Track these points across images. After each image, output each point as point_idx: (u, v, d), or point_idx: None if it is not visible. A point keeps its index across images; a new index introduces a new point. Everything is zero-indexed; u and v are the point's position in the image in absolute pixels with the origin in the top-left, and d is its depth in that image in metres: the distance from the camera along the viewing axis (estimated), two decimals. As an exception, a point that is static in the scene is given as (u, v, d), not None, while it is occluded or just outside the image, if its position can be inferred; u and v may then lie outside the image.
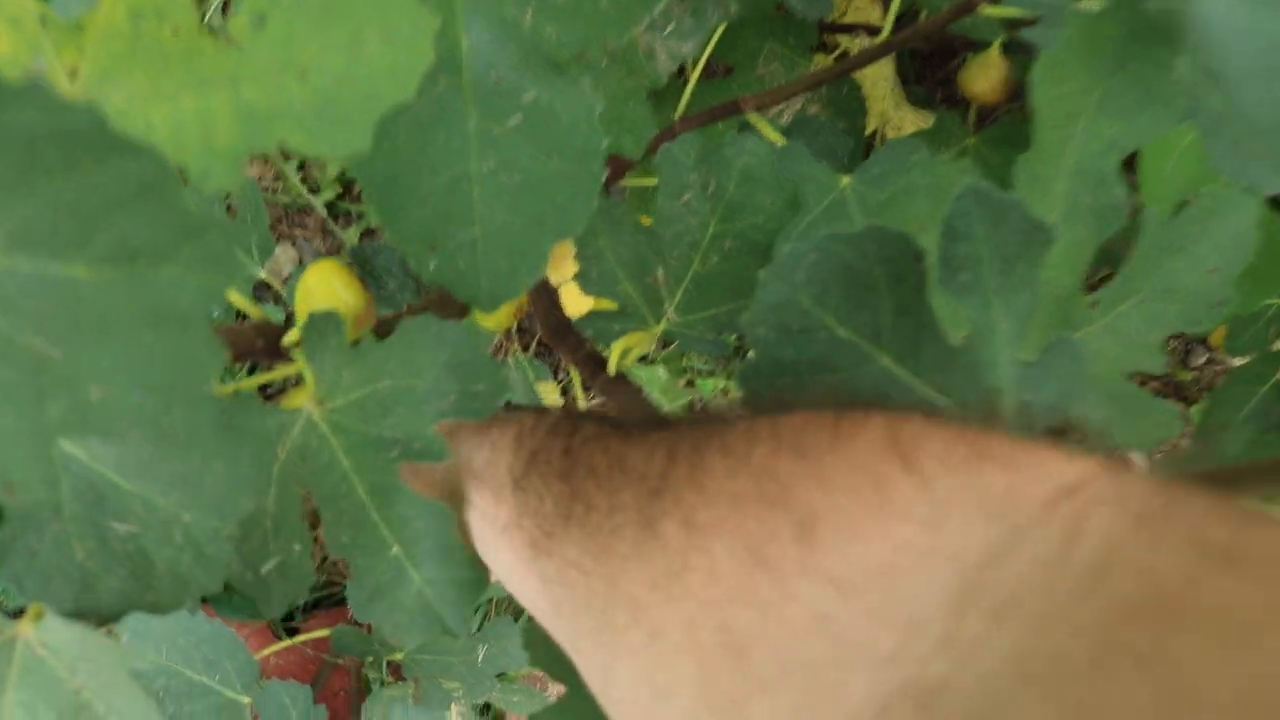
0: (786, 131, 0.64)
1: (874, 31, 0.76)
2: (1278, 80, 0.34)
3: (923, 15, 0.67)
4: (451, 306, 0.53)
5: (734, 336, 0.49)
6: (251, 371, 1.12)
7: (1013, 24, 0.67)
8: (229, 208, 0.83)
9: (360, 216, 1.24)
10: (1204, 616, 0.14)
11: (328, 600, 1.23)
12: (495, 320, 0.54)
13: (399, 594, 0.37)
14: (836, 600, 0.18)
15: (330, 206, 1.24)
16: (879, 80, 0.81)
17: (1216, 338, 0.82)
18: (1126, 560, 0.15)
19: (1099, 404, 0.47)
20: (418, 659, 0.82)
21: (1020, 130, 0.70)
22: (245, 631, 1.08)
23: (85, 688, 0.32)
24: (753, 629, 0.20)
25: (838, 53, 0.83)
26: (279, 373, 0.38)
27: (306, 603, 1.21)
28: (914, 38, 0.59)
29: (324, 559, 1.18)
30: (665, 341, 0.51)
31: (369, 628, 0.82)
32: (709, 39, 0.54)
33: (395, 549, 0.37)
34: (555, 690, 1.03)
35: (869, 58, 0.59)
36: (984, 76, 0.70)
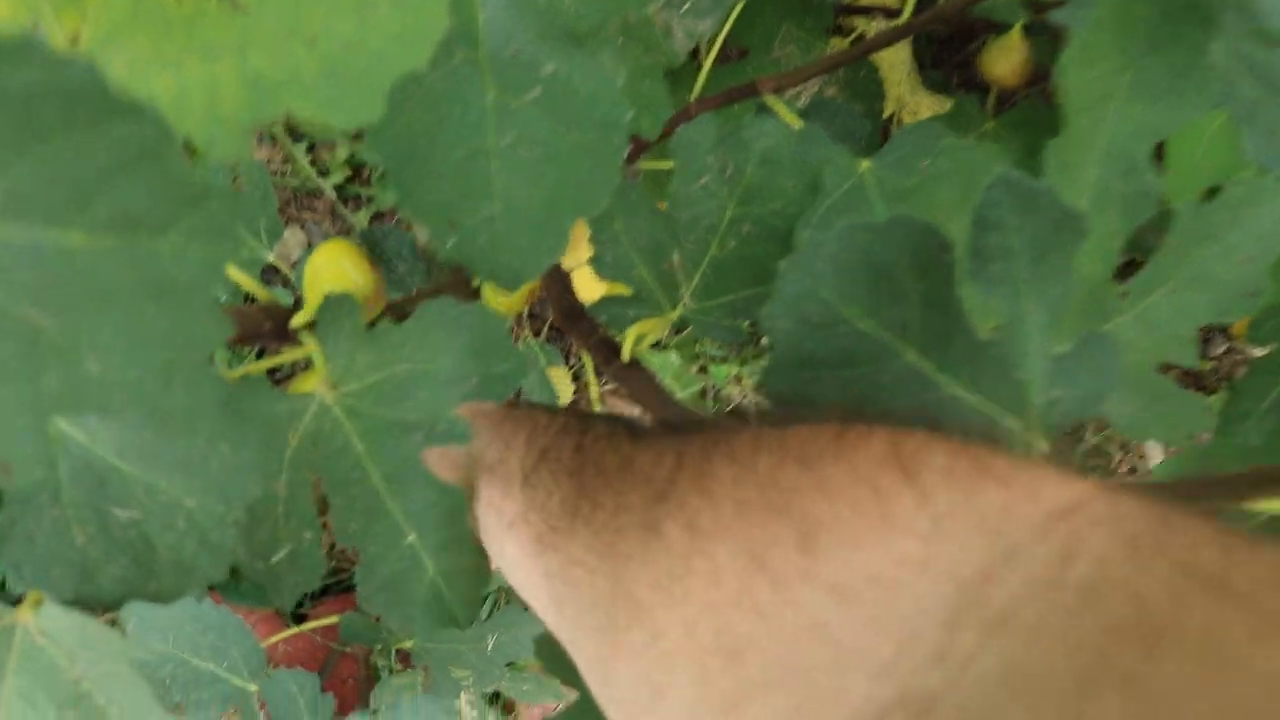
0: (804, 114, 0.62)
1: (890, 14, 0.75)
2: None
3: (943, -3, 0.66)
4: (463, 290, 0.52)
5: (748, 323, 0.48)
6: (260, 356, 1.11)
7: (1036, 6, 0.66)
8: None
9: (370, 200, 1.23)
10: (1189, 639, 0.14)
11: (336, 587, 1.22)
12: (507, 305, 0.53)
13: (411, 584, 0.36)
14: (836, 608, 0.19)
15: (340, 190, 1.23)
16: (896, 64, 0.80)
17: (1238, 327, 0.81)
18: (1117, 581, 0.16)
19: (1129, 397, 0.46)
20: (427, 647, 0.82)
21: (1040, 114, 0.69)
22: (252, 618, 1.08)
23: (85, 677, 0.32)
24: (752, 633, 0.20)
25: (854, 35, 0.82)
26: (286, 356, 0.38)
27: (314, 589, 1.21)
28: (935, 20, 0.58)
29: (332, 546, 1.18)
30: (678, 327, 0.50)
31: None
32: (726, 17, 0.53)
33: (410, 538, 0.36)
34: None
35: (888, 39, 0.58)
36: (1005, 59, 0.69)
